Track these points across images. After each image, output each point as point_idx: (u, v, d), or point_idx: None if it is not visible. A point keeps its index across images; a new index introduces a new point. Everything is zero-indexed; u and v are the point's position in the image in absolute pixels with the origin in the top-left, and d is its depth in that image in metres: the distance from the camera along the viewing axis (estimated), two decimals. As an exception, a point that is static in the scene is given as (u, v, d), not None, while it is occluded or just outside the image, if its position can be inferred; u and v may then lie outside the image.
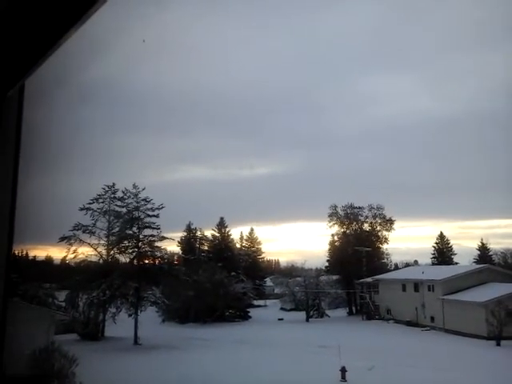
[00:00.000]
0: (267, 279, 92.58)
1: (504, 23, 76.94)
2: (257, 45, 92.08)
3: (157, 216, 45.10)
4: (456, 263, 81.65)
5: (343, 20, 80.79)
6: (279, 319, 62.21)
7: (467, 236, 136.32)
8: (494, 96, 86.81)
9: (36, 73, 2.05)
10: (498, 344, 37.25)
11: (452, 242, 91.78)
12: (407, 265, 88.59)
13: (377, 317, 59.98)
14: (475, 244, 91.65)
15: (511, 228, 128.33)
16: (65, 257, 46.64)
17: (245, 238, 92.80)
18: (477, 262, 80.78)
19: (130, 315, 42.69)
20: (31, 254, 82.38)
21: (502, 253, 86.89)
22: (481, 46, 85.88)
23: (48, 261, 77.84)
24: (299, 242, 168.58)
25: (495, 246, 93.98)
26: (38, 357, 20.94)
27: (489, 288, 44.99)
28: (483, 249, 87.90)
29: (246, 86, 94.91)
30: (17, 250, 64.78)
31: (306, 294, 63.67)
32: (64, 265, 52.95)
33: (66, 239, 43.90)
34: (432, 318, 49.67)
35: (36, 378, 19.96)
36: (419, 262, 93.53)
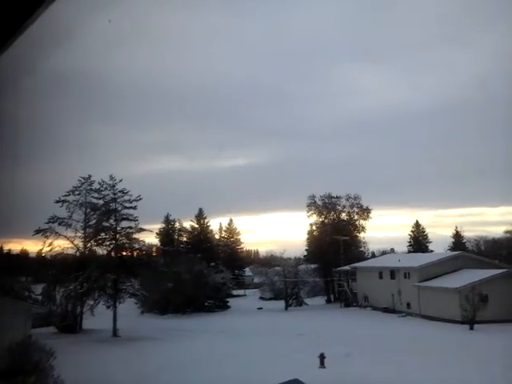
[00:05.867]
0: (246, 269, 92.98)
1: (477, 19, 78.38)
2: (233, 36, 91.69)
3: (134, 208, 44.71)
4: (431, 251, 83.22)
5: (319, 11, 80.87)
6: (258, 308, 62.66)
7: (442, 224, 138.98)
8: (468, 88, 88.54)
9: (4, 57, 2.02)
10: (472, 328, 38.24)
11: (427, 230, 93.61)
12: (384, 253, 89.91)
13: (354, 304, 60.89)
14: (449, 232, 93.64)
15: (483, 216, 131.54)
16: (41, 250, 46.04)
17: (224, 228, 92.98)
18: (451, 249, 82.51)
19: (108, 307, 42.41)
20: (6, 247, 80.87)
21: (475, 240, 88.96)
22: (455, 40, 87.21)
23: (23, 254, 76.65)
24: (278, 231, 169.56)
25: (468, 233, 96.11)
26: (14, 351, 20.63)
27: (463, 274, 46.07)
28: (457, 236, 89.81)
29: (222, 77, 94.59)
30: (-9, 244, 63.62)
31: (285, 283, 64.22)
32: (40, 258, 52.16)
33: (41, 232, 43.23)
34: (408, 305, 50.66)
35: (13, 372, 19.69)
36: (396, 250, 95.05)
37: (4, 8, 1.63)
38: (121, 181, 44.87)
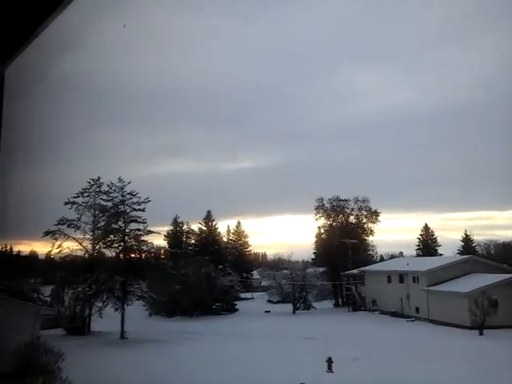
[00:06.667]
0: (254, 272, 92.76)
1: (478, 19, 78.00)
2: (235, 39, 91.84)
3: (143, 210, 44.88)
4: (440, 254, 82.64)
5: (320, 12, 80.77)
6: (266, 311, 62.49)
7: (451, 227, 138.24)
8: (470, 89, 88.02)
9: (16, 63, 2.03)
10: (481, 333, 37.85)
11: (436, 234, 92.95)
12: (392, 256, 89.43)
13: (363, 308, 60.55)
14: (459, 235, 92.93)
15: (492, 219, 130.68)
16: (50, 251, 46.26)
17: (232, 231, 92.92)
18: (461, 253, 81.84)
19: (116, 309, 42.53)
20: (15, 249, 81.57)
21: (485, 244, 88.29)
22: (456, 41, 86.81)
23: (32, 256, 77.13)
24: (286, 234, 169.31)
25: (478, 237, 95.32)
26: (23, 352, 20.76)
27: (472, 278, 45.65)
28: (467, 240, 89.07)
29: (227, 79, 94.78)
30: (0, 245, 64.11)
31: (293, 286, 63.99)
32: (49, 260, 52.50)
33: (50, 234, 43.48)
34: (417, 309, 50.29)
35: (21, 374, 19.79)
36: (404, 253, 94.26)
37: (14, 17, 1.62)
38: (129, 183, 45.17)
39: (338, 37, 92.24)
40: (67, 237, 44.50)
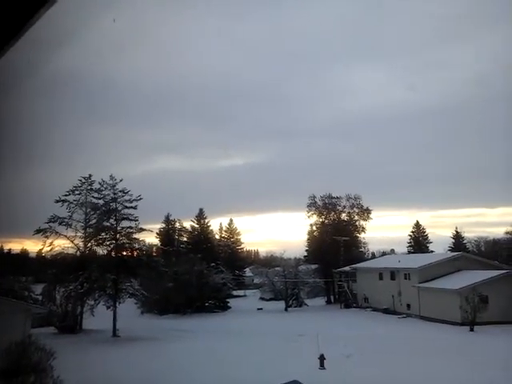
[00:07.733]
0: (247, 269, 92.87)
1: (477, 19, 78.48)
2: (231, 37, 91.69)
3: (135, 207, 44.70)
4: (431, 251, 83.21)
5: (317, 11, 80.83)
6: (258, 309, 62.57)
7: (441, 225, 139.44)
8: (467, 88, 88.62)
9: (6, 57, 2.00)
10: (472, 329, 38.18)
11: (427, 231, 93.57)
12: (384, 253, 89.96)
13: (354, 305, 60.81)
14: (449, 232, 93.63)
15: (483, 216, 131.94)
16: (41, 249, 46.09)
17: (224, 228, 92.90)
18: (451, 250, 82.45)
19: (108, 307, 42.37)
20: (6, 247, 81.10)
21: (475, 241, 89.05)
22: (454, 39, 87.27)
23: (24, 254, 76.77)
24: (278, 232, 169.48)
25: (469, 234, 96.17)
26: (14, 350, 20.59)
27: (463, 275, 45.97)
28: (457, 237, 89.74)
29: (221, 77, 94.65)
30: (-9, 244, 63.76)
31: (285, 283, 64.14)
32: (40, 258, 52.26)
33: (41, 232, 43.22)
34: (408, 306, 50.57)
35: (12, 372, 19.65)
36: (396, 250, 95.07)
37: (6, 9, 1.60)
38: (121, 181, 44.94)
39: (335, 35, 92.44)
40: (58, 235, 44.32)
